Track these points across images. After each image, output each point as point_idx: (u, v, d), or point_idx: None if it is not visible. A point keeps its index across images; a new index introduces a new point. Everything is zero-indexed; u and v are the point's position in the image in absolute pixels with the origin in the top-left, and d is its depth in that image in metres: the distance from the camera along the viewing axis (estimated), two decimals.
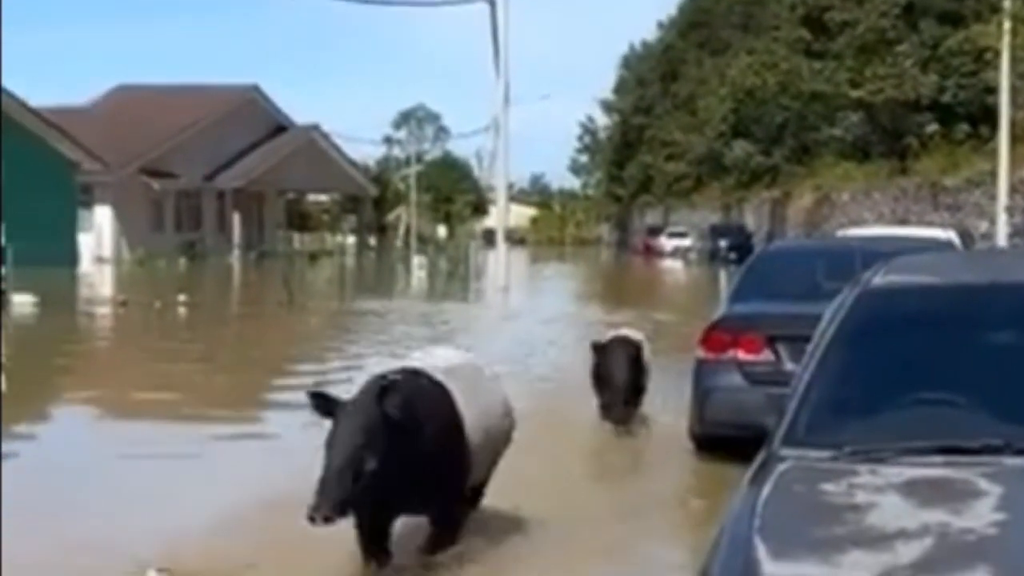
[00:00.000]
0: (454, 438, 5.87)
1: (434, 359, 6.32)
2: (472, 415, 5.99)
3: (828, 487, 3.54)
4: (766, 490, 3.53)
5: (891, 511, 3.31)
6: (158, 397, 11.88)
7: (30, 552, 6.14)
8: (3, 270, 22.84)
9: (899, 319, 4.25)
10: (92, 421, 10.83)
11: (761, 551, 3.15)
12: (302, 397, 5.93)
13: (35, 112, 39.19)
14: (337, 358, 16.02)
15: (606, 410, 9.32)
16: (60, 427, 10.75)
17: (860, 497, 3.45)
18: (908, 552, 3.06)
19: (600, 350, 9.25)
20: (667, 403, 9.88)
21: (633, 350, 9.22)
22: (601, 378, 9.24)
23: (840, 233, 18.65)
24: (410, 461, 5.55)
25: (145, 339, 19.50)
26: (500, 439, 6.45)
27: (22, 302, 22.16)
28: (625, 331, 9.93)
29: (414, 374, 6.02)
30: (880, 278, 4.39)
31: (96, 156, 41.75)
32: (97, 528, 6.70)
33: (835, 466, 3.61)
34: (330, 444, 5.43)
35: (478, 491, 6.58)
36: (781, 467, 3.68)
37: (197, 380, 13.04)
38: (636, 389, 9.28)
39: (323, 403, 5.61)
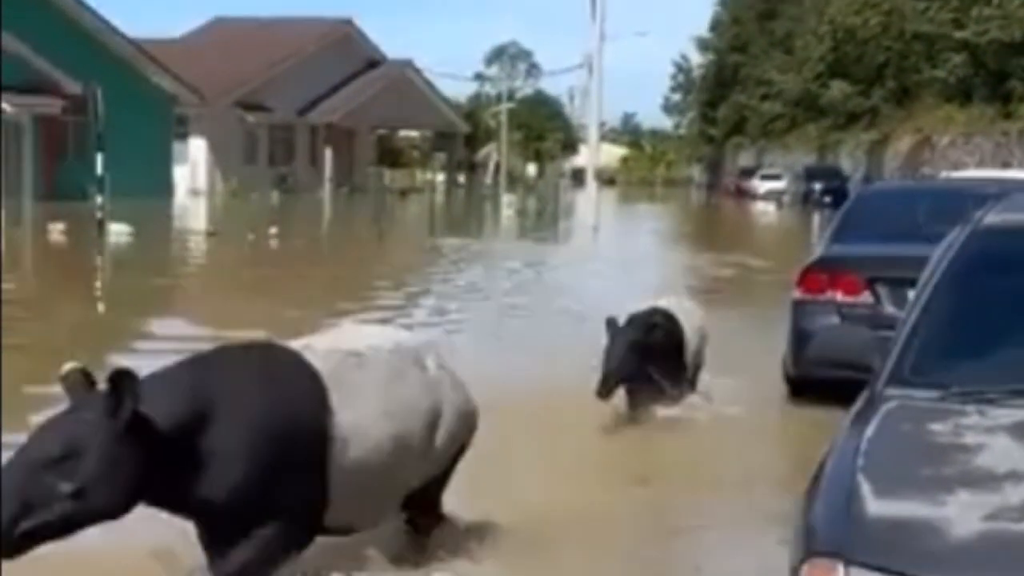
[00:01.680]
0: (288, 447, 4.14)
1: (323, 339, 4.66)
2: (360, 417, 4.32)
3: (935, 427, 3.49)
4: (870, 429, 3.48)
5: (1000, 452, 3.24)
6: (228, 324, 12.03)
7: None
8: (101, 200, 23.31)
9: (1011, 258, 4.15)
10: (171, 343, 10.92)
11: (865, 489, 3.11)
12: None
13: (135, 44, 39.68)
14: (417, 294, 16.17)
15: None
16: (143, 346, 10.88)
17: (968, 438, 3.39)
18: (1017, 494, 3.01)
19: (611, 326, 7.53)
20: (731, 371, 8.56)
21: (649, 331, 7.48)
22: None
23: (943, 175, 18.22)
24: (189, 477, 3.96)
25: (229, 269, 19.84)
26: (424, 452, 4.64)
27: (119, 231, 22.70)
28: (665, 301, 8.16)
29: (257, 352, 4.45)
30: (992, 216, 4.28)
31: (193, 89, 42.22)
32: None
33: (942, 406, 3.55)
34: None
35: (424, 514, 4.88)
36: (886, 407, 3.62)
37: (272, 310, 13.10)
38: (638, 376, 7.45)
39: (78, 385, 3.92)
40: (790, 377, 8.44)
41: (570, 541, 5.19)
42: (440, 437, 4.71)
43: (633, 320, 7.60)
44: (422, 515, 4.87)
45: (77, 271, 18.65)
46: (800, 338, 7.88)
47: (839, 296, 8.11)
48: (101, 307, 14.66)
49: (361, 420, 4.33)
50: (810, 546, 2.98)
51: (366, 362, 4.49)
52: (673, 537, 5.76)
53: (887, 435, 3.49)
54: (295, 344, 4.45)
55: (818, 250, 9.18)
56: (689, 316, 8.04)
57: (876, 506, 3.06)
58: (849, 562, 2.85)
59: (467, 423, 4.91)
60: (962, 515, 2.94)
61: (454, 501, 5.12)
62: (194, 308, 14.23)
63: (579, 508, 5.64)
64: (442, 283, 17.42)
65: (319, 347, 4.45)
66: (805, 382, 8.04)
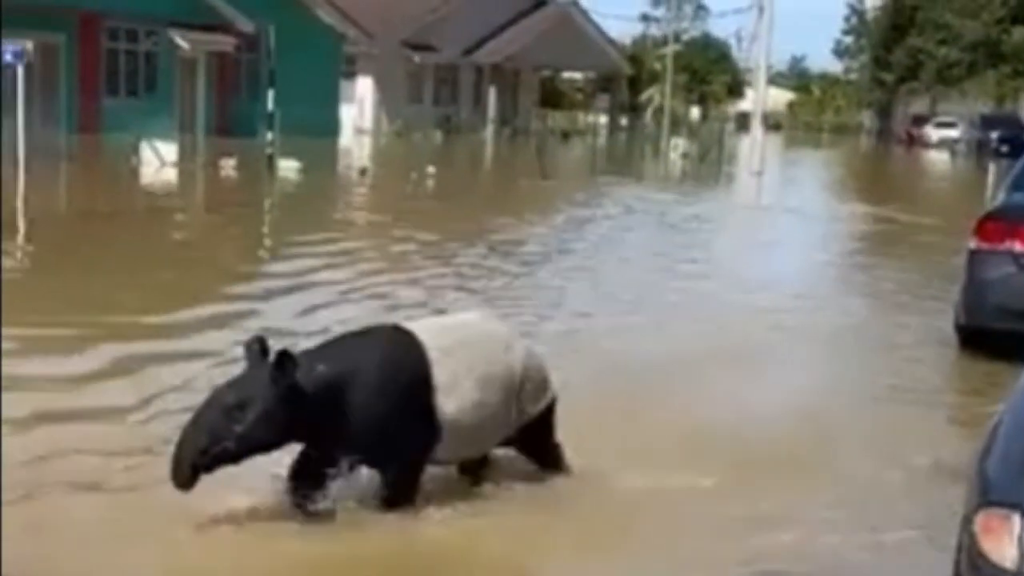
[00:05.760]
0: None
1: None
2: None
3: None
4: None
5: None
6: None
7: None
8: (271, 136, 23.85)
9: None
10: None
11: None
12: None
13: None
14: (555, 241, 16.13)
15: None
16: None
17: None
18: None
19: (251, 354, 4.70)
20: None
21: (283, 368, 4.52)
22: None
23: None
24: None
25: (373, 206, 20.15)
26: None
27: (288, 167, 23.26)
28: (425, 321, 5.51)
29: None
30: None
31: (362, 27, 42.70)
32: None
33: None
34: None
35: None
36: None
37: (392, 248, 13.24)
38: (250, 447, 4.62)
39: None
40: (961, 327, 8.22)
41: None
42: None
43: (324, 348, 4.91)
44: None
45: (246, 203, 19.18)
46: (976, 288, 7.65)
47: (1018, 246, 7.83)
48: (267, 241, 15.07)
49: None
50: (986, 496, 2.88)
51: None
52: None
53: None
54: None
55: (997, 199, 8.87)
56: (455, 340, 4.95)
57: None
58: None
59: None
60: None
61: None
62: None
63: None
64: (589, 229, 17.21)
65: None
66: (976, 331, 7.82)
